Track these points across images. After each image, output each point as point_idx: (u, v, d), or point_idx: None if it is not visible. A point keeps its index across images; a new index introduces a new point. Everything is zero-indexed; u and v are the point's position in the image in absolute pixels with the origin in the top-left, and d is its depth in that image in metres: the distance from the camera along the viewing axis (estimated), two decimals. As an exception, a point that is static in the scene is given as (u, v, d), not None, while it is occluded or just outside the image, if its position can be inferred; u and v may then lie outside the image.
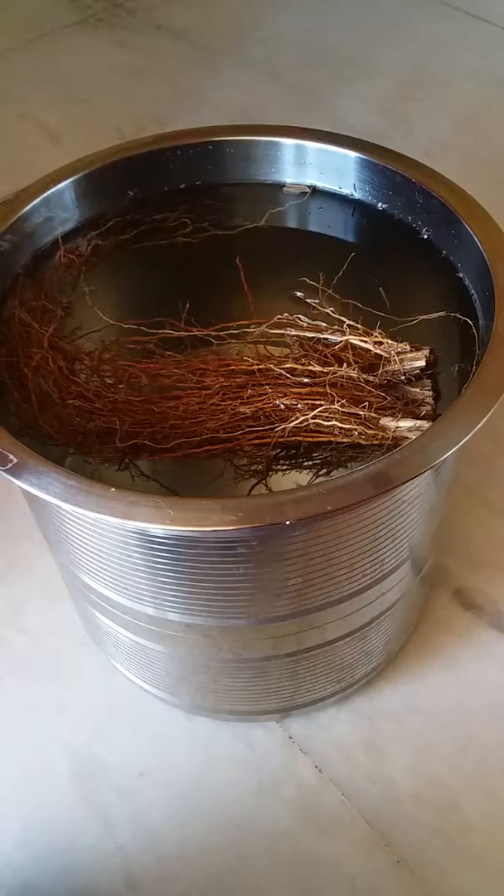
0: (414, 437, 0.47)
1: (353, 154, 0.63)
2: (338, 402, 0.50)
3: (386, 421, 0.50)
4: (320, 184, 0.65)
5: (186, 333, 0.56)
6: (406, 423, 0.49)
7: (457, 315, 0.55)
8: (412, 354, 0.53)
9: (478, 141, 1.24)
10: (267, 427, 0.51)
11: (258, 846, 0.64)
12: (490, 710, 0.70)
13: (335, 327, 0.55)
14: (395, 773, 0.67)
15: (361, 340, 0.54)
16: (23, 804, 0.67)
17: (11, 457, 0.45)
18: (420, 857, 0.63)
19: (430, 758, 0.68)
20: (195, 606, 0.53)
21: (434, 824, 0.65)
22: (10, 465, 0.44)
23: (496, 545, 0.80)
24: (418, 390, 0.52)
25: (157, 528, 0.42)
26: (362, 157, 0.62)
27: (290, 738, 0.69)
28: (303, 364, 0.53)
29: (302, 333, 0.55)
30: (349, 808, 0.66)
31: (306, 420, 0.50)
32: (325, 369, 0.52)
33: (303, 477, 0.50)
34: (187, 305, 0.56)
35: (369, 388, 0.51)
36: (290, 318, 0.56)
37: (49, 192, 0.61)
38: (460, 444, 0.44)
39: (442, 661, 0.73)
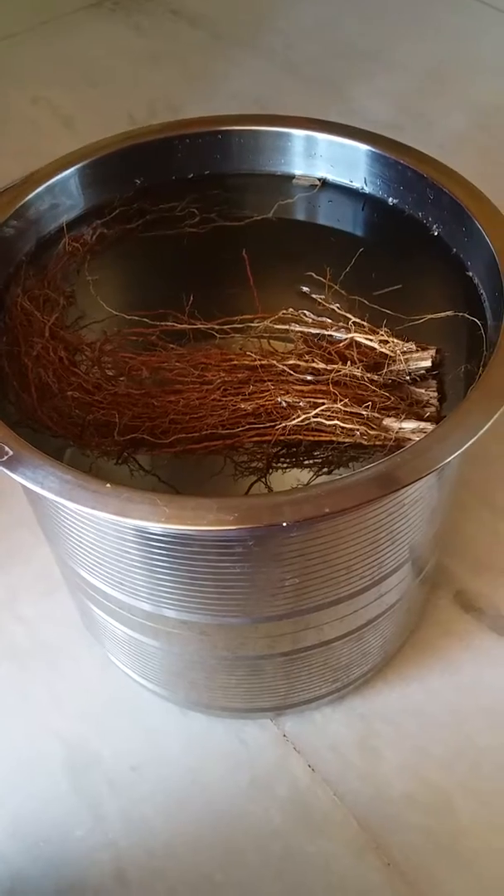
0: (417, 440, 0.46)
1: (364, 147, 0.61)
2: (340, 401, 0.49)
3: (389, 422, 0.49)
4: (331, 177, 0.64)
5: (190, 326, 0.55)
6: (409, 425, 0.48)
7: (465, 315, 0.54)
8: (418, 354, 0.52)
9: (495, 138, 1.22)
10: (268, 424, 0.50)
11: (249, 843, 0.64)
12: (487, 713, 0.69)
13: (340, 324, 0.54)
14: (389, 774, 0.67)
15: (367, 338, 0.53)
16: (14, 794, 0.67)
17: (7, 449, 0.44)
18: (411, 859, 0.63)
19: (425, 760, 0.67)
20: (191, 604, 0.52)
21: (426, 827, 0.64)
22: (5, 457, 0.44)
23: (499, 548, 0.79)
24: (423, 391, 0.52)
25: (152, 526, 0.41)
26: (374, 150, 0.61)
27: (283, 736, 0.69)
28: (306, 361, 0.52)
29: (306, 329, 0.55)
30: (341, 809, 0.65)
31: (308, 418, 0.49)
32: (329, 367, 0.51)
33: (303, 475, 0.50)
34: (191, 298, 0.55)
35: (373, 388, 0.50)
36: (296, 313, 0.55)
37: (55, 178, 0.60)
38: (463, 448, 0.44)
39: (440, 664, 0.72)
